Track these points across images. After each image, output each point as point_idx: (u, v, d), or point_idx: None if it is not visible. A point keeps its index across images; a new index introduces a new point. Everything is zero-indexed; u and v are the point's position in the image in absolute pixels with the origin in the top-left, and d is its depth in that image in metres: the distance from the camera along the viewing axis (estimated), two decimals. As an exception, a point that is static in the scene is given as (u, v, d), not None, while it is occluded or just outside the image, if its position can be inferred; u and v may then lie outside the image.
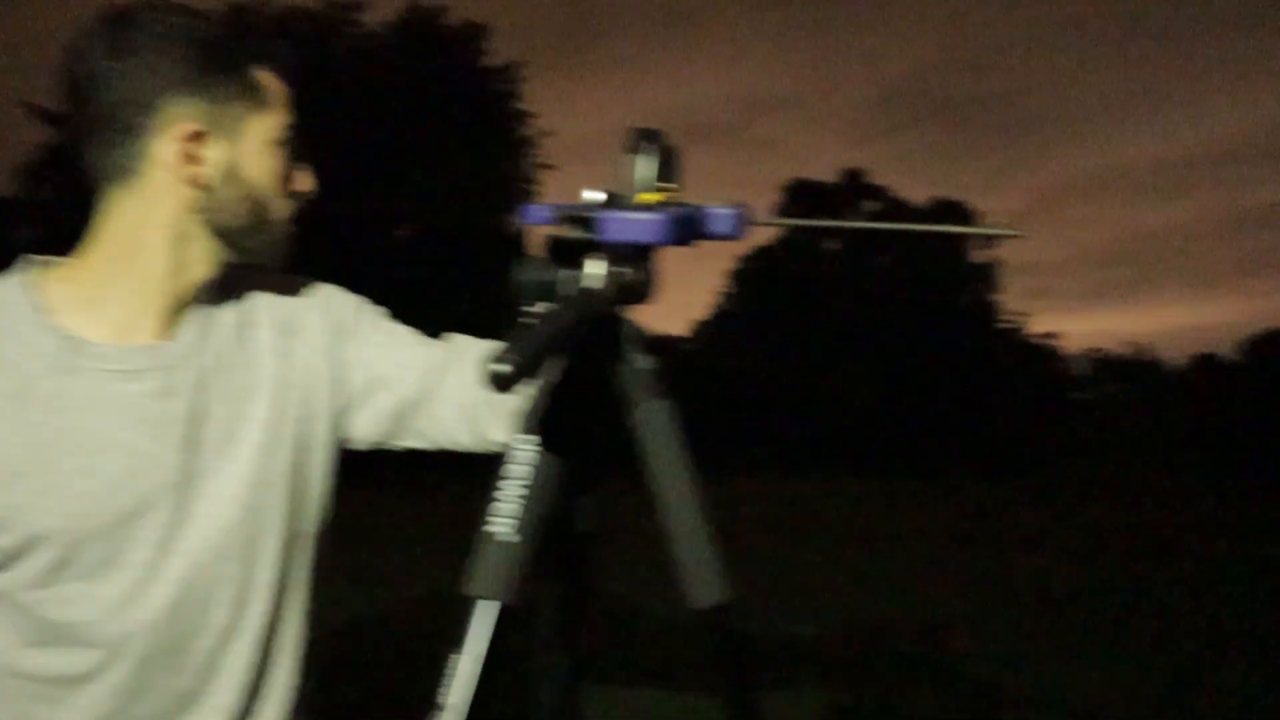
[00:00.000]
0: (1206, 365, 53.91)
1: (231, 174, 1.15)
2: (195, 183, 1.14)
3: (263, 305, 1.26)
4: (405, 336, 1.33)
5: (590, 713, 1.13)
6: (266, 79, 1.17)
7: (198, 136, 1.13)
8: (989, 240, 34.87)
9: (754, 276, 35.03)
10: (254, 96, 1.15)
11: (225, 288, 1.23)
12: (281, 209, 1.19)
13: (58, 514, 1.09)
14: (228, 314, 1.23)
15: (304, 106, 1.20)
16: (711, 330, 36.61)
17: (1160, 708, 5.06)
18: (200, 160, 1.13)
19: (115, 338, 1.15)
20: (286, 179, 1.19)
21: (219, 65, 1.13)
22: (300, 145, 1.21)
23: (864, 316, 31.84)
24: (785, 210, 35.01)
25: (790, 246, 34.07)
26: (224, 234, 1.17)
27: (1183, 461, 31.50)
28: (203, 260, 1.18)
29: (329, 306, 1.30)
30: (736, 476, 22.75)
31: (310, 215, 1.24)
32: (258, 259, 1.21)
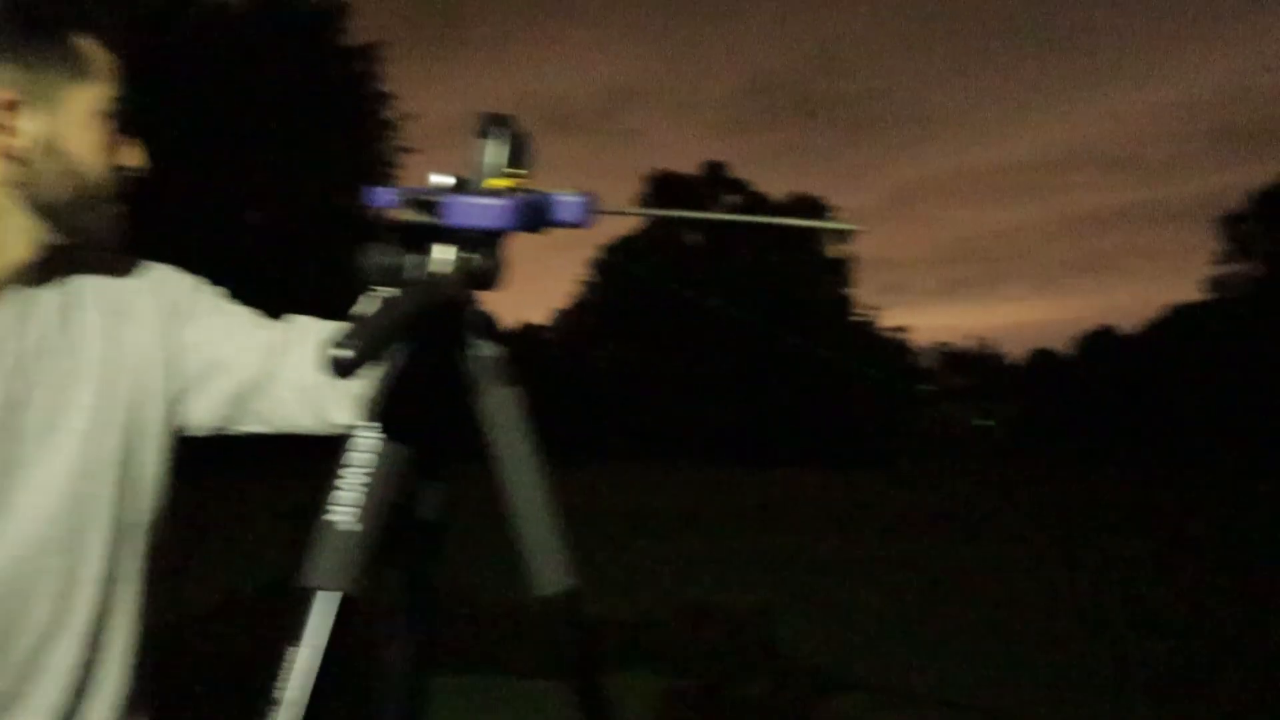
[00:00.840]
0: (1043, 360, 56.76)
1: (50, 147, 1.09)
2: (9, 155, 1.07)
3: (90, 287, 1.20)
4: (244, 318, 1.28)
5: (437, 703, 1.12)
6: (89, 47, 1.10)
7: (11, 106, 1.06)
8: (836, 234, 35.92)
9: (615, 267, 35.17)
10: (75, 65, 1.09)
11: (49, 269, 1.16)
12: (107, 185, 1.13)
13: None
14: (51, 296, 1.16)
15: (138, 79, 1.14)
16: (571, 320, 36.61)
17: (978, 688, 5.29)
18: (14, 131, 1.07)
19: None
20: (113, 154, 1.13)
21: (35, 31, 1.07)
22: (130, 119, 1.15)
23: (723, 308, 32.30)
24: (646, 201, 35.25)
25: (652, 238, 34.33)
26: (44, 211, 1.10)
27: (1017, 449, 33.11)
28: (20, 239, 1.11)
29: (163, 287, 1.24)
30: (594, 464, 22.86)
31: (149, 194, 1.19)
32: (85, 238, 1.15)
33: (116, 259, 1.23)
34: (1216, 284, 38.01)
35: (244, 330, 1.26)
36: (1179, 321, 37.69)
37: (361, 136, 22.19)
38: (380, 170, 22.10)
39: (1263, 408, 29.86)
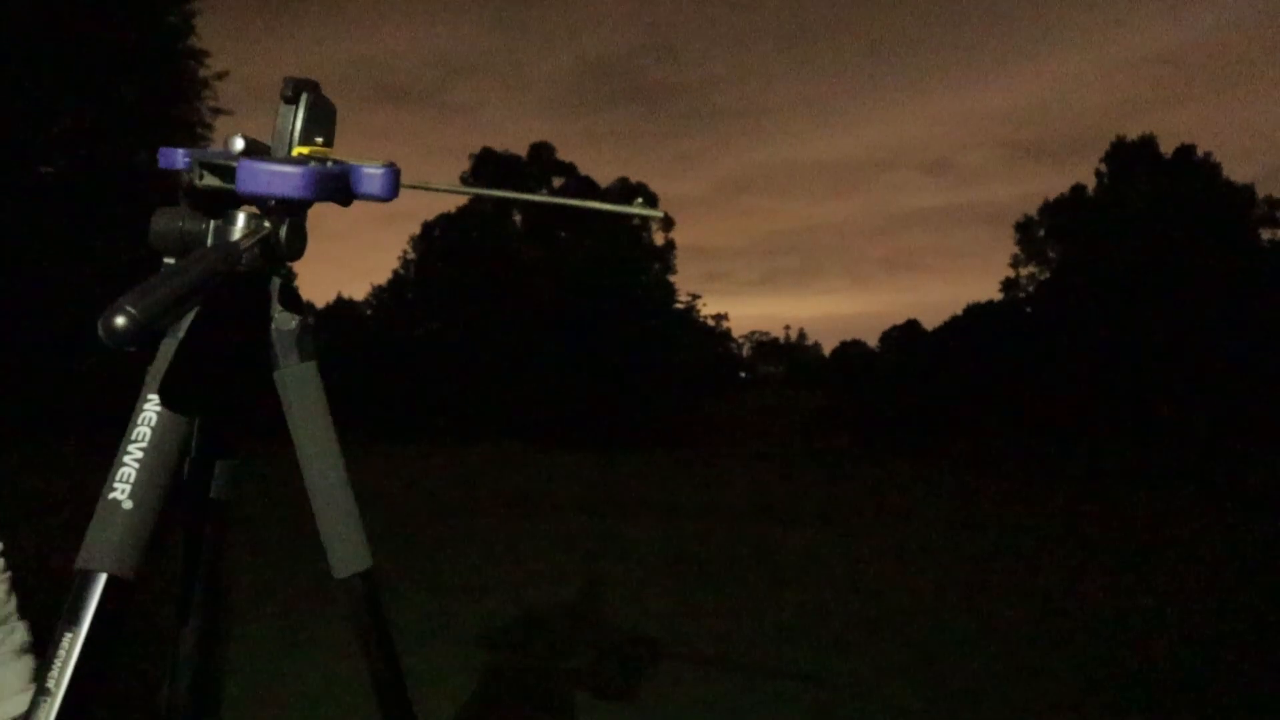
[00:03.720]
0: (850, 352, 59.24)
1: None
2: None
3: None
4: None
5: (229, 684, 1.08)
6: None
7: None
8: (646, 220, 36.44)
9: (436, 243, 34.61)
10: None
11: None
12: None
13: None
14: None
15: None
16: (389, 296, 35.81)
17: (771, 648, 5.53)
18: None
19: None
20: None
21: None
22: None
23: (545, 289, 32.27)
24: (470, 179, 34.82)
25: (477, 216, 33.94)
26: None
27: (825, 437, 34.47)
28: None
29: None
30: (405, 443, 22.47)
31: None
32: None
33: None
34: (1009, 284, 40.59)
35: None
36: (974, 319, 40.03)
37: (171, 93, 21.00)
38: (191, 131, 20.98)
39: (1046, 400, 32.06)
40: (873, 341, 53.61)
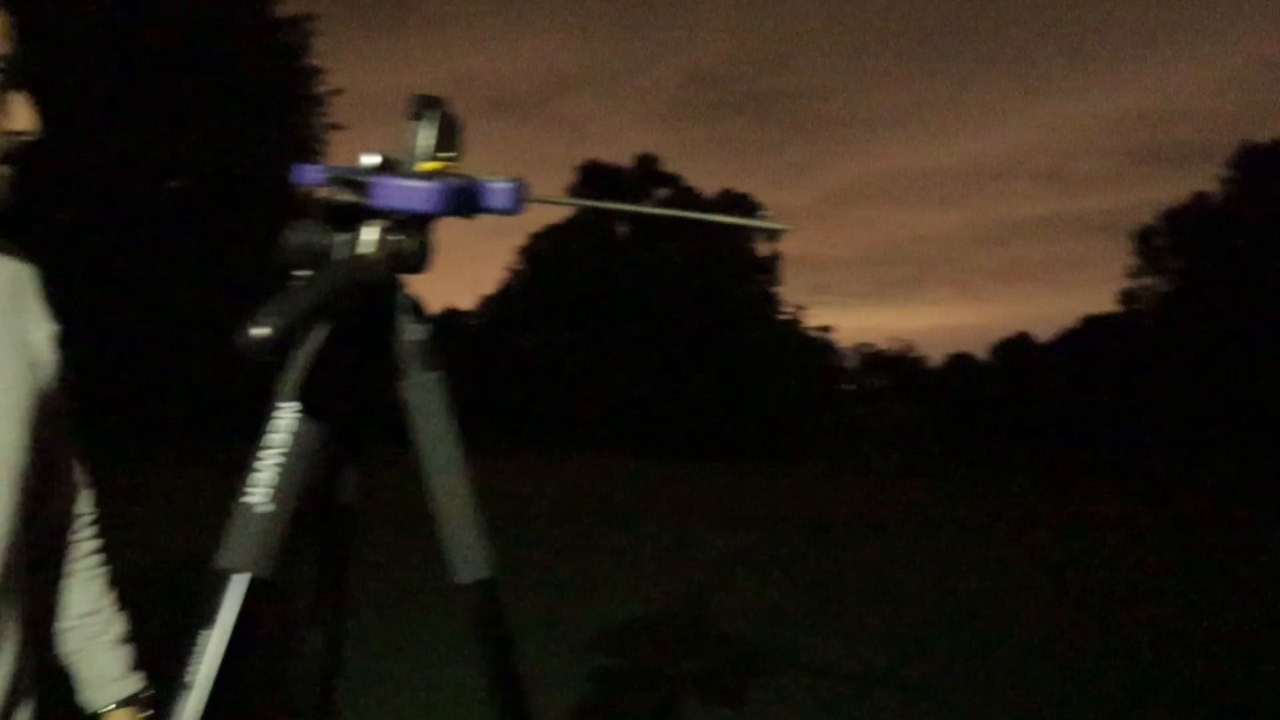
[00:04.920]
0: (961, 364, 58.00)
1: None
2: None
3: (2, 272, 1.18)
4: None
5: (346, 687, 1.11)
6: None
7: None
8: (764, 232, 36.17)
9: (544, 255, 35.03)
10: None
11: None
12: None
13: None
14: None
15: (32, 38, 1.09)
16: (497, 306, 36.37)
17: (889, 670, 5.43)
18: None
19: None
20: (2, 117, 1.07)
21: None
22: (20, 79, 1.10)
23: (650, 301, 32.40)
24: (577, 191, 35.19)
25: (582, 228, 34.26)
26: None
27: (931, 450, 33.79)
28: None
29: (49, 316, 1.24)
30: (513, 452, 22.78)
31: (40, 157, 1.14)
32: None
33: (11, 247, 1.21)
34: (1128, 296, 39.23)
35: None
36: (1091, 332, 38.82)
37: (288, 111, 21.74)
38: (307, 146, 21.68)
39: (1165, 416, 30.89)
40: (981, 354, 52.39)
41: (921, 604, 7.35)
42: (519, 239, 37.20)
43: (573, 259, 33.75)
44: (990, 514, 14.47)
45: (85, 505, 1.33)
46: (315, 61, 22.71)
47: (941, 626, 6.60)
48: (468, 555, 0.99)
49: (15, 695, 1.17)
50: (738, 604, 7.01)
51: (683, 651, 5.82)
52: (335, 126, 22.90)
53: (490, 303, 36.85)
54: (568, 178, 36.79)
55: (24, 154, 1.11)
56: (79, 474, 1.32)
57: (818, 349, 40.23)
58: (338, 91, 23.14)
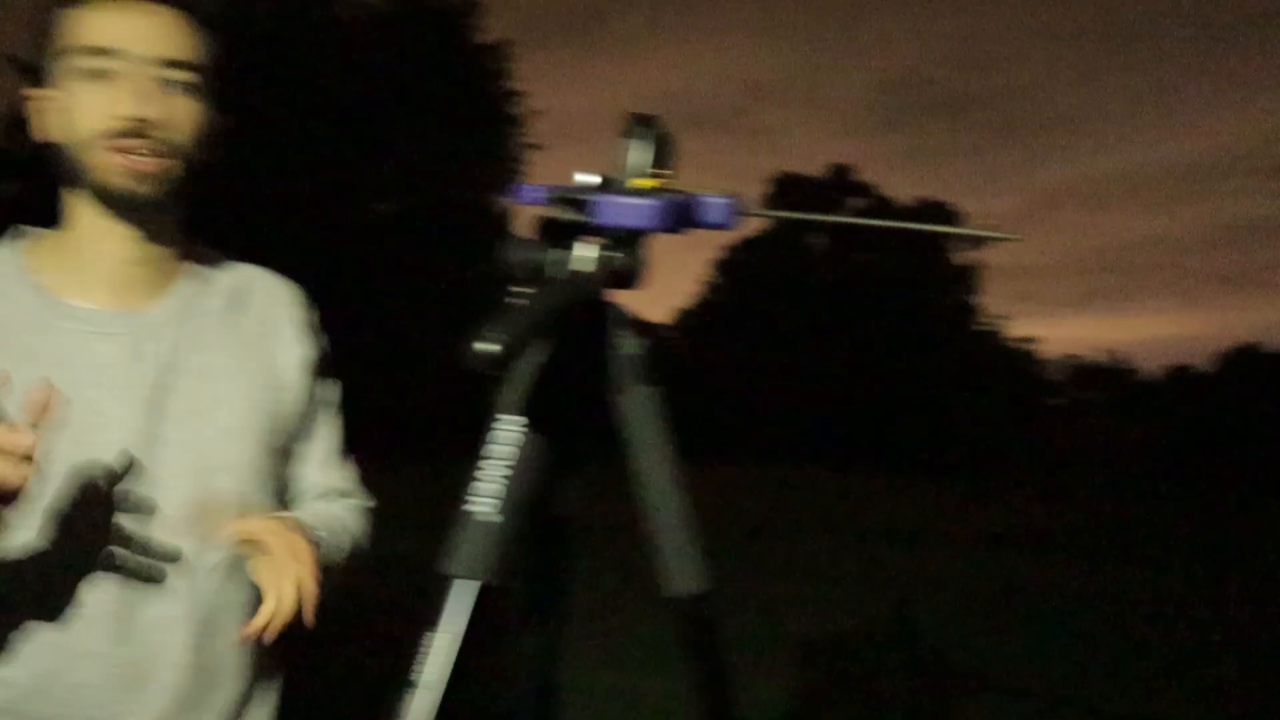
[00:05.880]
0: (1181, 376, 54.43)
1: (60, 122, 1.14)
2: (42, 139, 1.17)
3: (257, 297, 1.28)
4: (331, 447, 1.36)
5: (568, 696, 1.13)
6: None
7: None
8: (982, 242, 34.97)
9: (738, 267, 35.05)
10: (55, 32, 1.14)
11: (218, 267, 1.26)
12: (102, 154, 1.11)
13: None
14: (216, 296, 1.24)
15: (231, 64, 1.17)
16: (693, 319, 36.61)
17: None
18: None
19: (96, 302, 1.16)
20: (107, 117, 1.10)
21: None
22: (215, 95, 1.18)
23: (845, 312, 31.93)
24: (771, 203, 35.06)
25: (776, 239, 34.12)
26: (97, 192, 1.14)
27: (1150, 469, 31.80)
28: (100, 224, 1.16)
29: (307, 339, 1.31)
30: (711, 465, 22.83)
31: (279, 184, 1.21)
32: (133, 216, 1.15)
33: (276, 277, 1.31)
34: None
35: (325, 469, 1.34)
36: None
37: (490, 133, 22.60)
38: (508, 166, 22.47)
39: None
40: (1204, 366, 48.96)
41: (1152, 638, 6.89)
42: (708, 251, 37.37)
43: (767, 271, 33.64)
44: (1241, 539, 13.45)
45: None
46: (515, 84, 23.54)
47: (1180, 663, 6.15)
48: (683, 567, 1.00)
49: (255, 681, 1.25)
50: (943, 624, 6.78)
51: (882, 669, 5.67)
52: (533, 146, 23.64)
53: (687, 316, 37.14)
54: (762, 189, 36.71)
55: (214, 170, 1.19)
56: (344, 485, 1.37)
57: (1021, 361, 38.54)
58: (539, 113, 23.91)
